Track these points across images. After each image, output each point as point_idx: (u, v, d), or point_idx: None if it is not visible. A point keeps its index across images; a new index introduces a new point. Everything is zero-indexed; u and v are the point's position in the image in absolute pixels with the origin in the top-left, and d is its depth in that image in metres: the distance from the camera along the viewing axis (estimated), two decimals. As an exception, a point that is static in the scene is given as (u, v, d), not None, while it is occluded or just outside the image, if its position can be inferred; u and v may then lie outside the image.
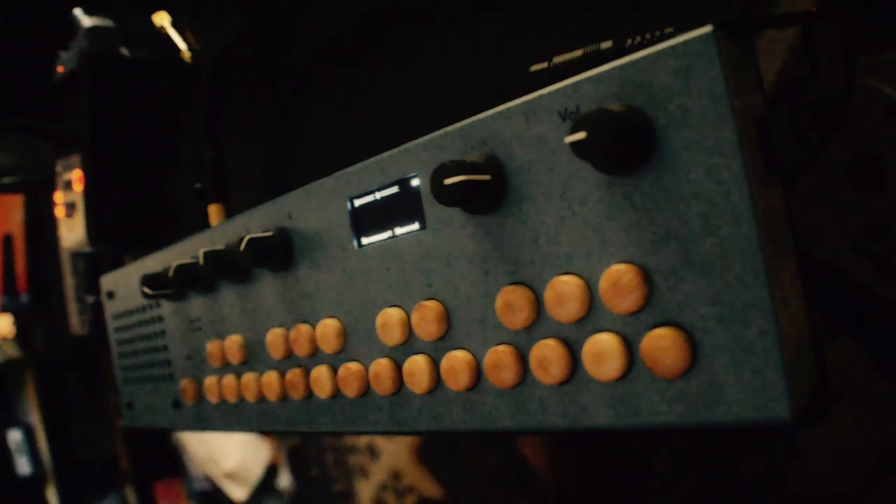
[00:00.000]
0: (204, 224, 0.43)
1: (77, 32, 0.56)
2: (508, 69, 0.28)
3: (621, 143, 0.19)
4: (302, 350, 0.32)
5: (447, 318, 0.26)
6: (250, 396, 0.35)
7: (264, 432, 0.78)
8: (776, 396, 0.18)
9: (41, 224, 0.93)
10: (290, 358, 0.33)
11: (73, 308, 0.80)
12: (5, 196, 1.01)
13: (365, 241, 0.28)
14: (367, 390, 0.29)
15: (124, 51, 0.57)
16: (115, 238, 0.57)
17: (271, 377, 0.34)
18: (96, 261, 0.64)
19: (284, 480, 1.08)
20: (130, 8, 0.58)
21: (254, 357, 0.35)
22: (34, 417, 1.23)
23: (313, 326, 0.31)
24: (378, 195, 0.28)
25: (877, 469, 0.39)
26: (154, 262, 0.41)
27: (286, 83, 0.45)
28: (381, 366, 0.28)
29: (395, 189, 0.27)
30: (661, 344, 0.20)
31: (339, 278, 0.30)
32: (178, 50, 0.51)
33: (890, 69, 0.37)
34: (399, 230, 0.27)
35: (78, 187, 0.62)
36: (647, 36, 0.22)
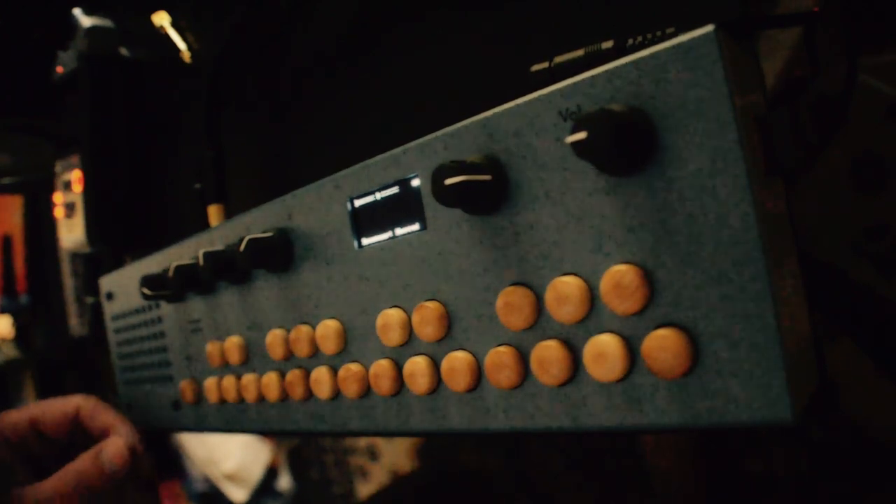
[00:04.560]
0: (204, 224, 0.43)
1: (76, 32, 0.56)
2: (509, 69, 0.28)
3: (622, 144, 0.19)
4: (302, 351, 0.32)
5: (448, 318, 0.26)
6: (250, 397, 0.35)
7: (264, 434, 0.78)
8: (777, 397, 0.18)
9: (40, 225, 0.93)
10: (290, 359, 0.33)
11: (72, 309, 0.80)
12: (5, 197, 1.01)
13: (365, 241, 0.28)
14: (367, 391, 0.29)
15: (124, 51, 0.57)
16: (114, 238, 0.57)
17: (271, 378, 0.33)
18: (96, 261, 0.64)
19: (284, 482, 1.08)
20: (130, 8, 0.58)
21: (254, 358, 0.35)
22: (33, 418, 1.22)
23: (313, 327, 0.31)
24: (378, 195, 0.28)
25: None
26: (154, 263, 0.41)
27: (286, 83, 0.45)
28: (382, 367, 0.28)
29: (395, 189, 0.27)
30: (663, 345, 0.20)
31: (340, 279, 0.30)
32: (178, 50, 0.51)
33: (890, 69, 0.36)
34: (399, 231, 0.27)
35: (77, 188, 0.62)
36: (649, 36, 0.22)
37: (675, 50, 0.19)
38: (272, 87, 0.46)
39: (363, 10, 0.39)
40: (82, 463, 0.36)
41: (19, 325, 1.06)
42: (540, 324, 0.23)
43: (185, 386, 0.40)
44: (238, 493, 1.03)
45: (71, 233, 0.63)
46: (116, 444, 0.37)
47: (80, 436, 0.40)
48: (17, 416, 0.39)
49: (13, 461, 0.38)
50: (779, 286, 0.19)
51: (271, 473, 1.07)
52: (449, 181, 0.22)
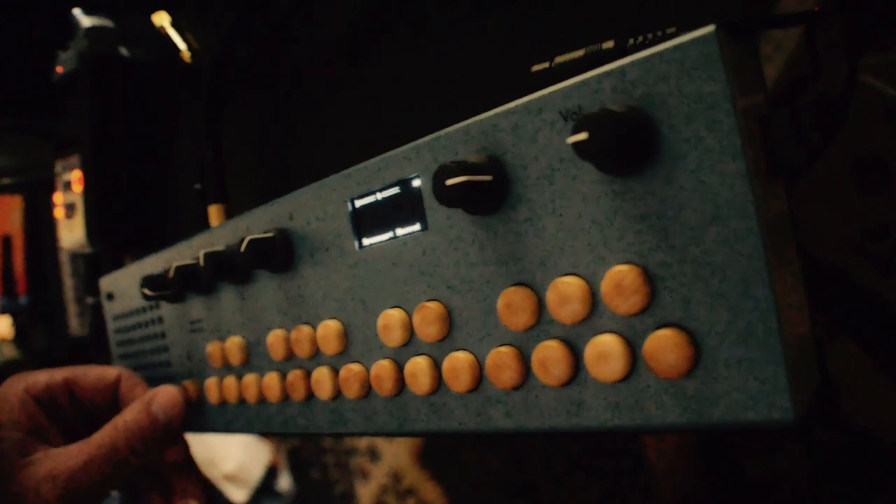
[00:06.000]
0: (204, 225, 0.43)
1: (76, 32, 0.56)
2: (510, 69, 0.28)
3: (623, 144, 0.19)
4: (303, 351, 0.31)
5: (449, 319, 0.26)
6: (251, 398, 0.35)
7: (264, 434, 0.78)
8: (779, 397, 0.18)
9: (40, 225, 0.93)
10: (290, 359, 0.33)
11: (72, 309, 0.80)
12: (4, 197, 1.01)
13: (366, 241, 0.28)
14: (368, 392, 0.29)
15: (124, 51, 0.57)
16: (114, 239, 0.57)
17: (272, 378, 0.33)
18: (95, 262, 0.64)
19: (284, 482, 1.08)
20: (130, 8, 0.58)
21: (254, 358, 0.35)
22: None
23: (314, 327, 0.31)
24: (379, 196, 0.28)
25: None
26: (154, 263, 0.41)
27: (286, 83, 0.45)
28: (383, 367, 0.28)
29: (396, 189, 0.27)
30: (664, 345, 0.20)
31: (341, 279, 0.30)
32: (178, 50, 0.51)
33: (890, 69, 0.36)
34: (400, 231, 0.27)
35: (77, 188, 0.62)
36: (649, 36, 0.22)
37: (675, 50, 0.19)
38: (272, 87, 0.46)
39: (363, 10, 0.39)
40: (133, 413, 0.34)
41: (19, 325, 1.05)
42: (541, 324, 0.23)
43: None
44: (238, 493, 1.03)
45: (71, 233, 0.63)
46: (169, 391, 0.35)
47: (113, 407, 0.38)
48: (52, 374, 0.37)
49: (43, 421, 0.35)
50: (780, 287, 0.19)
51: (271, 474, 1.07)
52: (450, 181, 0.22)
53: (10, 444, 0.33)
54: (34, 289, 0.98)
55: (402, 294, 0.27)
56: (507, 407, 0.25)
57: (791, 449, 0.43)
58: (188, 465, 0.40)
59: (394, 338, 0.27)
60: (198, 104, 0.44)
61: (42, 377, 0.36)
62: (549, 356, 0.23)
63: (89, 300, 0.61)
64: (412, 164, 0.26)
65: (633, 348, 0.21)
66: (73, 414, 0.37)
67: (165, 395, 0.35)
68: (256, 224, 0.33)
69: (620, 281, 0.21)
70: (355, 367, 0.29)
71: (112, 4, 0.58)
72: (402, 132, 0.28)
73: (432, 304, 0.26)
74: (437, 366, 0.27)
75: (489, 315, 0.25)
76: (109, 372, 0.39)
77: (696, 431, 0.22)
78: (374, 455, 0.90)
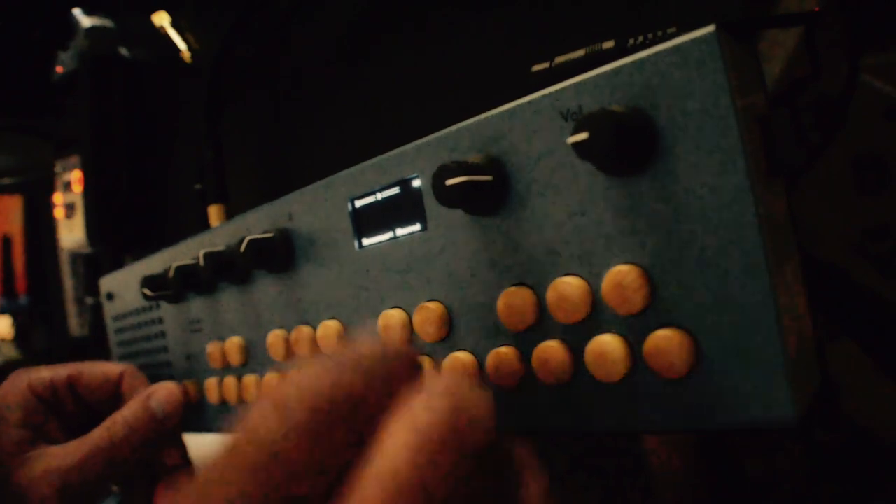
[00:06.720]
0: (204, 225, 0.43)
1: (76, 32, 0.56)
2: (510, 69, 0.28)
3: (623, 144, 0.19)
4: (303, 351, 0.31)
5: (449, 319, 0.26)
6: (251, 398, 0.35)
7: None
8: (779, 398, 0.18)
9: (40, 225, 0.93)
10: (291, 359, 0.33)
11: (72, 309, 0.80)
12: (4, 197, 1.01)
13: (366, 241, 0.28)
14: (368, 392, 0.29)
15: (124, 51, 0.57)
16: (114, 239, 0.57)
17: (272, 379, 0.33)
18: (95, 262, 0.64)
19: (284, 481, 1.07)
20: (130, 8, 0.58)
21: (254, 358, 0.35)
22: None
23: (314, 328, 0.31)
24: (379, 196, 0.28)
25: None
26: (154, 264, 0.41)
27: (286, 83, 0.45)
28: (383, 367, 0.28)
29: (396, 190, 0.27)
30: (664, 345, 0.20)
31: (340, 279, 0.30)
32: (178, 50, 0.51)
33: (890, 69, 0.36)
34: (400, 231, 0.27)
35: (77, 188, 0.62)
36: (650, 36, 0.22)
37: (676, 50, 0.19)
38: (272, 87, 0.46)
39: (363, 11, 0.39)
40: (131, 409, 0.34)
41: (19, 326, 1.05)
42: (541, 324, 0.23)
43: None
44: (238, 493, 1.03)
45: (71, 233, 0.63)
46: (167, 387, 0.35)
47: (115, 404, 0.38)
48: (55, 371, 0.37)
49: (45, 417, 0.35)
50: (780, 287, 0.19)
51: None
52: (450, 181, 0.22)
53: (9, 441, 0.33)
54: (34, 289, 0.98)
55: (402, 294, 0.27)
56: (507, 407, 0.25)
57: (791, 449, 0.43)
58: (186, 467, 0.40)
59: (394, 338, 0.27)
60: (198, 104, 0.44)
61: (46, 374, 0.37)
62: (550, 356, 0.22)
63: (89, 300, 0.61)
64: (412, 164, 0.26)
65: (633, 348, 0.21)
66: (76, 410, 0.37)
67: (164, 392, 0.35)
68: (256, 224, 0.33)
69: (621, 281, 0.20)
70: (355, 368, 0.29)
71: (112, 4, 0.58)
72: (402, 132, 0.28)
73: (432, 305, 0.26)
74: (437, 366, 0.26)
75: (489, 315, 0.25)
76: (113, 369, 0.39)
77: (697, 432, 0.22)
78: (374, 455, 0.90)
